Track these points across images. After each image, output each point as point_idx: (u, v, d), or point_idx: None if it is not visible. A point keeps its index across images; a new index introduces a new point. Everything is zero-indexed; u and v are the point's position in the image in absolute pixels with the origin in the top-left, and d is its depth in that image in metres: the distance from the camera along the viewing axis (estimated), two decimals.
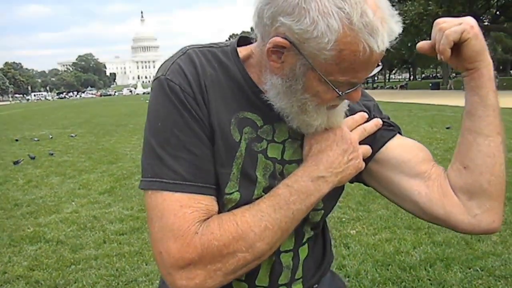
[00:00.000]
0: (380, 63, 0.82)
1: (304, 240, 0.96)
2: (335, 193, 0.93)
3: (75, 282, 3.49)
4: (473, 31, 0.84)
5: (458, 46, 0.85)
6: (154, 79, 0.86)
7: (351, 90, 0.79)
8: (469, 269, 3.38)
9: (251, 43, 0.91)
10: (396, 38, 0.76)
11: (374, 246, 3.92)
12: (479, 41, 0.85)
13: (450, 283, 3.18)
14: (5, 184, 7.30)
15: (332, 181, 0.86)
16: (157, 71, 0.87)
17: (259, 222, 0.80)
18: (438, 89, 43.56)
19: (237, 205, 0.84)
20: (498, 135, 0.88)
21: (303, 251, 0.97)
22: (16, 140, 13.51)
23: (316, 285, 1.01)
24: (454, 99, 24.60)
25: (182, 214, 0.78)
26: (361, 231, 4.32)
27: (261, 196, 0.85)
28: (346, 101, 0.88)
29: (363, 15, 0.70)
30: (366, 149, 0.92)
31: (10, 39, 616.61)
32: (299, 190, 0.83)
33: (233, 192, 0.85)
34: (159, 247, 0.79)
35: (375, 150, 0.95)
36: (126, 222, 4.97)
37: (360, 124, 0.94)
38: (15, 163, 9.08)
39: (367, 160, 0.93)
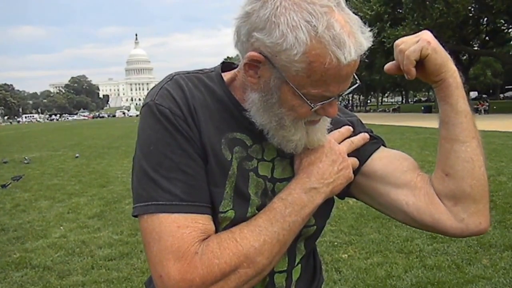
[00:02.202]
0: (358, 81, 0.85)
1: (297, 261, 0.97)
2: (326, 208, 0.95)
3: None
4: (431, 46, 0.87)
5: (421, 61, 0.88)
6: (143, 106, 0.87)
7: (324, 102, 0.81)
8: None
9: (234, 68, 0.94)
10: (365, 52, 0.78)
11: (365, 270, 3.89)
12: (438, 54, 0.88)
13: None
14: None
15: (324, 192, 0.88)
16: (145, 98, 0.89)
17: (258, 237, 0.81)
18: (430, 112, 43.96)
19: (232, 223, 0.85)
20: (474, 139, 0.90)
21: (296, 272, 0.98)
22: (5, 162, 13.40)
23: None
24: None
25: (181, 235, 0.78)
26: (353, 255, 4.30)
27: (255, 214, 0.86)
28: (327, 119, 0.90)
29: (330, 28, 0.73)
30: (354, 160, 0.95)
31: (2, 60, 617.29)
32: (293, 202, 0.85)
33: (227, 211, 0.85)
34: (158, 271, 0.77)
35: (361, 163, 0.97)
36: (115, 247, 4.90)
37: (347, 137, 0.97)
38: (3, 186, 8.96)
39: (354, 173, 0.95)
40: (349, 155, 0.94)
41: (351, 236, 4.84)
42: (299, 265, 0.98)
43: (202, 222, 0.81)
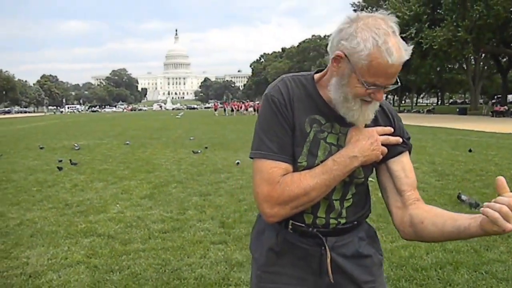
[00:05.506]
0: (398, 82, 1.28)
1: (349, 195, 1.43)
2: (370, 167, 1.42)
3: (128, 268, 4.03)
4: None
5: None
6: (264, 95, 1.42)
7: (374, 88, 1.25)
8: (475, 272, 3.78)
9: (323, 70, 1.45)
10: (406, 61, 1.24)
11: (391, 251, 4.35)
12: None
13: (457, 283, 3.60)
14: (54, 187, 8.01)
15: (360, 160, 1.33)
16: (266, 89, 1.43)
17: (313, 179, 1.31)
18: (465, 114, 42.68)
19: (305, 169, 1.35)
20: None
21: (348, 202, 1.44)
22: (41, 148, 14.89)
23: (356, 222, 1.47)
24: (480, 124, 24.47)
25: (272, 171, 1.33)
26: (380, 238, 4.69)
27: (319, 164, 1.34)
28: (376, 104, 1.34)
29: (385, 43, 1.20)
30: (384, 149, 1.38)
31: (50, 52, 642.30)
32: (339, 162, 1.32)
33: (302, 162, 1.36)
34: (256, 189, 1.34)
35: (390, 155, 1.41)
36: (167, 222, 5.52)
37: (387, 134, 1.39)
38: (60, 169, 9.82)
39: (383, 158, 1.40)
40: (385, 146, 1.38)
41: (379, 223, 5.29)
42: (351, 199, 1.44)
43: (285, 166, 1.34)
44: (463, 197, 6.16)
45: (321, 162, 1.36)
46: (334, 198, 1.42)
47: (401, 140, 1.42)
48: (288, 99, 1.38)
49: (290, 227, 1.42)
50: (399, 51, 1.21)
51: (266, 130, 1.36)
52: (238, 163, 10.29)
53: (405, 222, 1.40)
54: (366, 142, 1.34)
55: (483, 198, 6.36)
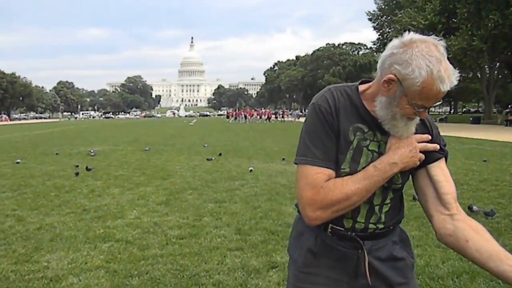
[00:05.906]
0: (440, 100, 1.36)
1: (388, 200, 1.51)
2: (407, 174, 1.50)
3: (146, 273, 4.10)
4: None
5: None
6: (311, 104, 1.50)
7: (422, 110, 1.36)
8: (492, 281, 3.77)
9: (367, 82, 1.53)
10: (455, 85, 1.31)
11: None
12: None
13: None
14: (71, 192, 8.13)
15: (400, 167, 1.41)
16: (313, 99, 1.51)
17: (355, 185, 1.39)
18: (479, 123, 42.55)
19: (347, 175, 1.42)
20: None
21: (386, 207, 1.51)
22: (56, 154, 15.15)
23: (391, 227, 1.55)
24: (494, 134, 24.26)
25: (316, 176, 1.41)
26: None
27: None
28: (417, 118, 1.42)
29: (438, 71, 1.27)
30: (422, 156, 1.45)
31: (67, 59, 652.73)
32: (380, 169, 1.40)
33: (345, 168, 1.44)
34: (301, 193, 1.43)
35: (429, 161, 1.48)
36: (184, 229, 5.58)
37: (425, 141, 1.46)
38: (76, 174, 9.98)
39: (421, 164, 1.47)
40: (423, 153, 1.45)
41: None
42: (389, 204, 1.52)
43: (329, 172, 1.42)
44: (474, 208, 6.15)
45: (363, 168, 1.44)
46: (375, 203, 1.50)
47: (438, 147, 1.49)
48: (334, 108, 1.46)
49: (329, 230, 1.50)
50: (450, 78, 1.29)
51: (312, 138, 1.45)
52: (251, 170, 10.37)
53: (447, 229, 1.46)
54: (405, 150, 1.41)
55: (498, 208, 6.38)
